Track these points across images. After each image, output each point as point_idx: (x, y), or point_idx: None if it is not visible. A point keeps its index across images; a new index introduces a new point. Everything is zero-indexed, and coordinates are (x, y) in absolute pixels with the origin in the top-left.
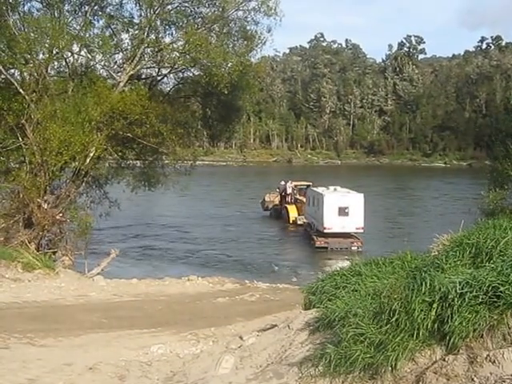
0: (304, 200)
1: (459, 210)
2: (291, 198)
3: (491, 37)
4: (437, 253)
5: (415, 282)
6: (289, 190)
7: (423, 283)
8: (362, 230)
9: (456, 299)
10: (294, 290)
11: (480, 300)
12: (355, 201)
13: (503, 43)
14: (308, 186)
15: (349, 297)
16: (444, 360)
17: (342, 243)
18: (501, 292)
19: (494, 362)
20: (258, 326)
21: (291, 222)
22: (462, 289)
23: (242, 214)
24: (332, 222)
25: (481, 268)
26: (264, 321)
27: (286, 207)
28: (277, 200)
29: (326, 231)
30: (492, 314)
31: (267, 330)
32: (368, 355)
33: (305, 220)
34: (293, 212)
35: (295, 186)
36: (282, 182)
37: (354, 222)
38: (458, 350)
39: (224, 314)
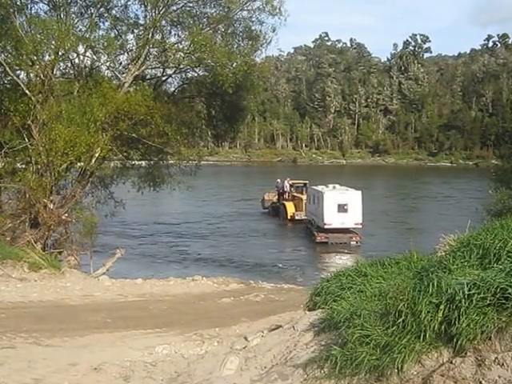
0: (301, 197)
1: (464, 210)
2: (289, 195)
3: (498, 35)
4: (443, 253)
5: (422, 283)
6: (286, 188)
7: (430, 284)
8: (360, 226)
9: (463, 301)
10: (299, 291)
11: (488, 302)
12: (353, 198)
13: (510, 41)
14: (304, 184)
15: (354, 298)
16: (451, 362)
17: (341, 238)
18: (509, 294)
19: (503, 364)
20: (263, 326)
21: (289, 217)
22: (470, 290)
23: (244, 213)
24: (332, 218)
25: (489, 269)
26: (269, 321)
27: (283, 204)
28: (275, 198)
29: (326, 227)
30: (500, 316)
31: (272, 330)
32: (374, 357)
33: (305, 217)
34: (290, 208)
35: (292, 183)
36: (279, 180)
37: (353, 218)
38: (466, 353)
39: (229, 314)
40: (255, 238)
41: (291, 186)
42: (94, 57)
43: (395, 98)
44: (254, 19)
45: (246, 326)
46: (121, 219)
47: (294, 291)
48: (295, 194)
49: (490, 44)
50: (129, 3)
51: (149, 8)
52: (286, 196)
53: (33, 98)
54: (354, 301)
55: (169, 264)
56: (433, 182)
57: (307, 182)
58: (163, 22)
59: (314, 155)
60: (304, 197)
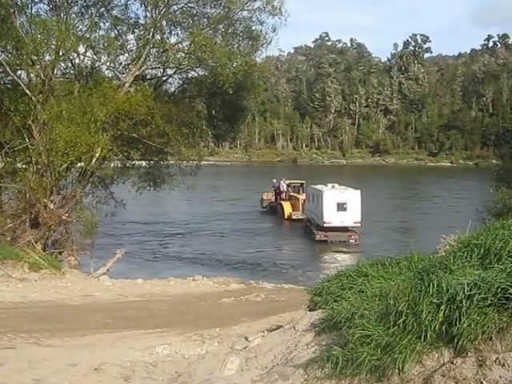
0: (298, 196)
1: (465, 210)
2: (285, 195)
3: (498, 35)
4: (444, 253)
5: (422, 283)
6: (283, 188)
7: (431, 284)
8: (359, 224)
9: (464, 301)
10: (300, 291)
11: (489, 302)
12: (352, 197)
13: (510, 41)
14: (301, 184)
15: (355, 298)
16: (452, 363)
17: (340, 236)
18: (510, 294)
19: (504, 365)
20: (264, 326)
21: (286, 217)
22: (471, 290)
23: (243, 212)
24: (331, 217)
25: (489, 269)
26: (269, 321)
27: (280, 204)
28: (273, 198)
29: (325, 225)
30: (501, 316)
31: (272, 330)
32: (375, 357)
33: (303, 216)
34: (287, 208)
35: (289, 183)
36: (274, 180)
37: (352, 217)
38: (467, 353)
39: (229, 314)
40: (255, 238)
41: (288, 185)
42: (95, 57)
43: (395, 97)
44: (254, 19)
45: (246, 326)
46: (121, 219)
47: (294, 291)
48: (292, 194)
49: (491, 44)
50: (129, 3)
51: (149, 8)
52: (283, 196)
53: (33, 98)
54: (355, 301)
55: (169, 264)
56: (432, 182)
57: (304, 181)
58: (163, 22)
59: (314, 155)
60: (301, 196)
